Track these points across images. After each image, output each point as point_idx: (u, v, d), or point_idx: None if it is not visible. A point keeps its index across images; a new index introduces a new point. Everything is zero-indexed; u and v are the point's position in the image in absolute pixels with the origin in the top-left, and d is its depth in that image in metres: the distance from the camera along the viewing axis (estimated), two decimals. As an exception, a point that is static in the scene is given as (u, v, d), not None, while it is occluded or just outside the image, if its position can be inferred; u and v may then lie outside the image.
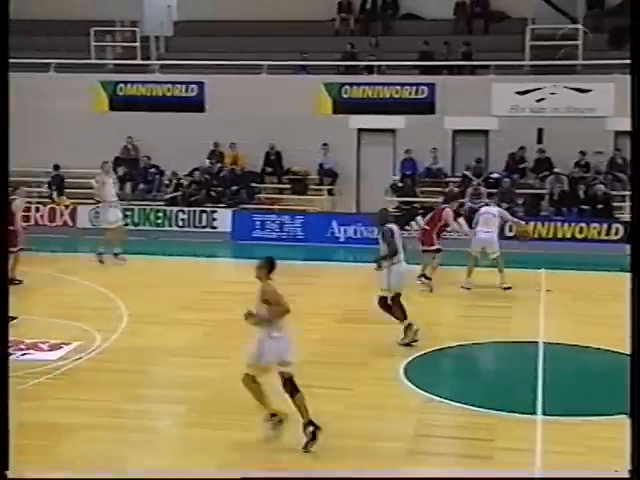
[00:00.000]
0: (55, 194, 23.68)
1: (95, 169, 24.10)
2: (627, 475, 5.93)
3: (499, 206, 17.94)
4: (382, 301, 12.76)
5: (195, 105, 24.81)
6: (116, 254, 18.97)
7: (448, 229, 16.93)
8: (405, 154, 23.75)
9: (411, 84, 23.96)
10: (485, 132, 23.80)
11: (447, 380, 12.02)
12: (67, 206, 23.32)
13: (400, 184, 23.61)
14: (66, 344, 12.48)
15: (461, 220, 17.83)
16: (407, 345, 12.58)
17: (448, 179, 23.50)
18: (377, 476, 8.45)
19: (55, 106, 24.56)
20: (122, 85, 25.33)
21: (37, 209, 22.68)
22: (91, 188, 24.14)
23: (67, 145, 24.41)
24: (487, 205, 18.17)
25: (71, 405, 10.15)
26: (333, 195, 24.23)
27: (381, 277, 12.70)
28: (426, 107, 23.75)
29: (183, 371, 11.84)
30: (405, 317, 12.71)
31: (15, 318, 13.98)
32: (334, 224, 22.24)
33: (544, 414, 9.98)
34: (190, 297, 15.91)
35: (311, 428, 8.89)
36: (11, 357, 11.90)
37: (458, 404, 10.41)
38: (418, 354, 12.36)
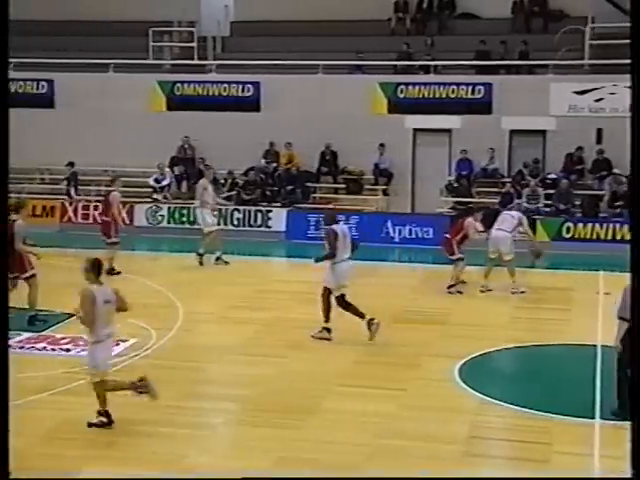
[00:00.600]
0: (73, 190, 23.94)
1: (152, 168, 24.44)
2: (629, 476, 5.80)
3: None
4: (339, 300, 12.94)
5: (251, 105, 24.90)
6: (217, 258, 18.81)
7: (468, 239, 16.69)
8: (461, 154, 23.57)
9: (467, 84, 23.76)
10: (543, 132, 23.49)
11: (503, 382, 11.88)
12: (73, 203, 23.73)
13: (455, 184, 23.43)
14: (123, 341, 12.59)
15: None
16: (322, 338, 12.88)
17: (504, 179, 23.27)
18: (431, 476, 8.39)
19: (113, 106, 24.89)
20: (179, 85, 25.54)
21: (95, 207, 22.96)
22: (148, 187, 24.46)
23: (124, 144, 24.69)
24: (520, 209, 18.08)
25: (127, 401, 10.22)
26: (388, 195, 24.14)
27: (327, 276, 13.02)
28: (483, 107, 23.53)
29: (237, 369, 11.91)
30: (328, 315, 13.00)
31: (73, 315, 14.28)
32: (389, 224, 22.14)
33: (602, 418, 9.82)
34: (244, 296, 15.99)
35: (104, 419, 9.43)
36: (70, 353, 12.20)
37: (514, 406, 10.29)
38: (473, 355, 12.27)
